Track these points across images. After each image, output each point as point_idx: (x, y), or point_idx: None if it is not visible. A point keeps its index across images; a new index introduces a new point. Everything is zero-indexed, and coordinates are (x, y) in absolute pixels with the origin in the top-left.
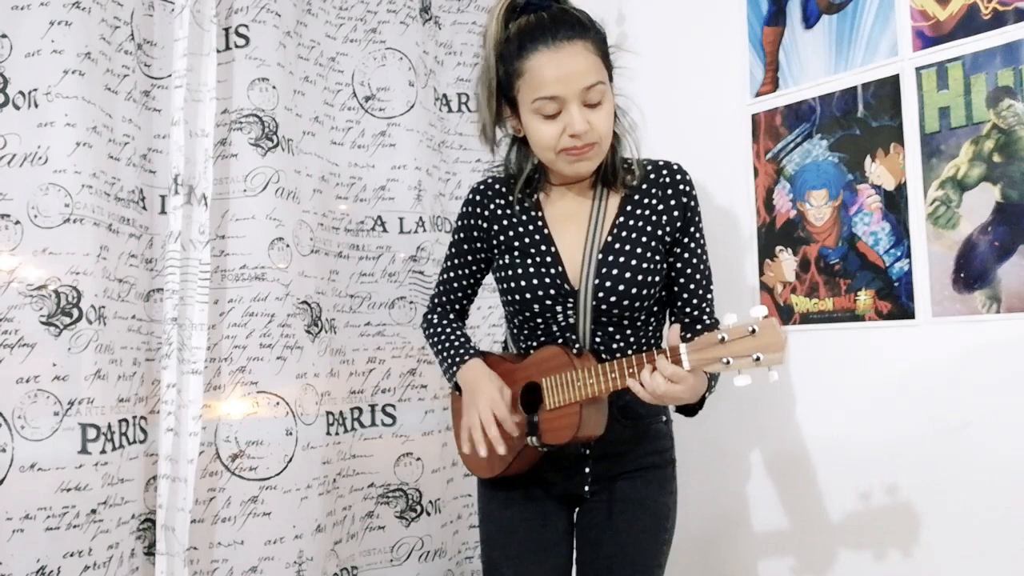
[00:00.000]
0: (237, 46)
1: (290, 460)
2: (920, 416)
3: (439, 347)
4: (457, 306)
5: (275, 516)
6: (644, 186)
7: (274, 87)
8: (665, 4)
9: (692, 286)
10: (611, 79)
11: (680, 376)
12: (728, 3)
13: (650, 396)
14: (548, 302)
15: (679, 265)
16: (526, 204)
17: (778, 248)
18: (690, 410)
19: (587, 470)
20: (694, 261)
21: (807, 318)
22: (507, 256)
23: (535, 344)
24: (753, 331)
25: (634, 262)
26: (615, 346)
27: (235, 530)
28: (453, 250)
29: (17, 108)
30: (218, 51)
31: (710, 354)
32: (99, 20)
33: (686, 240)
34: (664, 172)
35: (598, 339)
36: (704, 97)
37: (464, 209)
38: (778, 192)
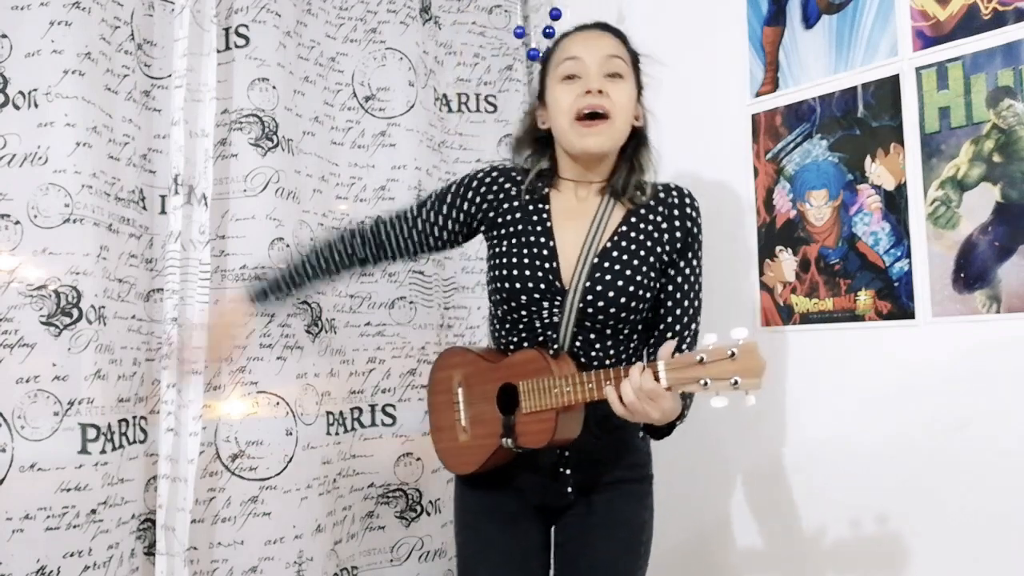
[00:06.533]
0: (237, 46)
1: (290, 460)
2: (920, 416)
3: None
4: (393, 239)
5: (275, 516)
6: (652, 203)
7: (274, 87)
8: (665, 4)
9: (678, 311)
10: (640, 91)
11: (656, 394)
12: (728, 3)
13: (623, 409)
14: (536, 296)
15: (670, 288)
16: (535, 196)
17: (778, 248)
18: (656, 432)
19: (568, 472)
20: (685, 287)
21: (807, 318)
22: (504, 243)
23: (515, 339)
24: (733, 354)
25: (628, 272)
26: (593, 353)
27: (235, 530)
28: (441, 195)
29: (17, 108)
30: (218, 51)
31: (688, 374)
32: (99, 20)
33: (682, 264)
34: (674, 193)
35: (578, 343)
36: (704, 97)
37: (479, 174)
38: (778, 192)
